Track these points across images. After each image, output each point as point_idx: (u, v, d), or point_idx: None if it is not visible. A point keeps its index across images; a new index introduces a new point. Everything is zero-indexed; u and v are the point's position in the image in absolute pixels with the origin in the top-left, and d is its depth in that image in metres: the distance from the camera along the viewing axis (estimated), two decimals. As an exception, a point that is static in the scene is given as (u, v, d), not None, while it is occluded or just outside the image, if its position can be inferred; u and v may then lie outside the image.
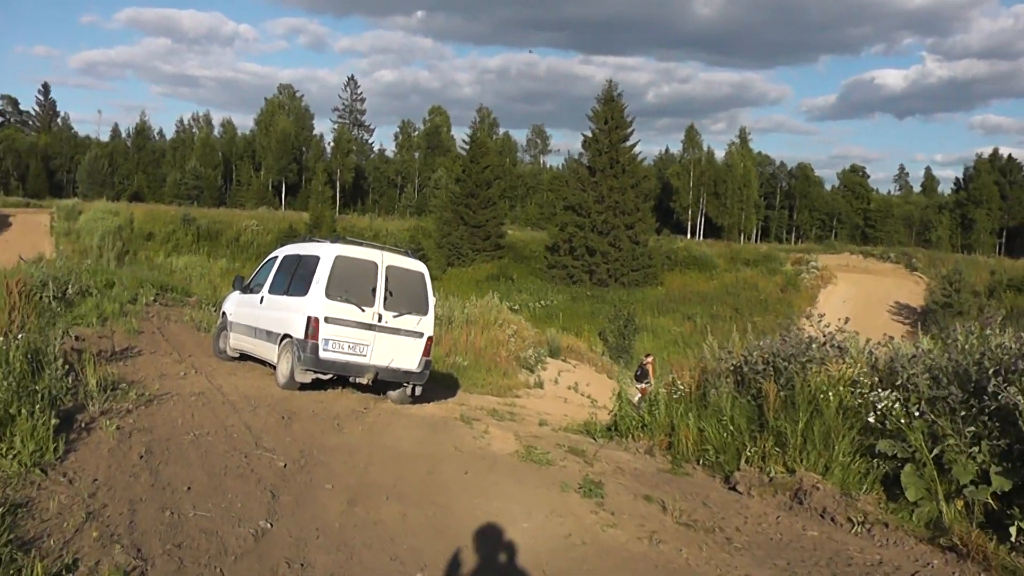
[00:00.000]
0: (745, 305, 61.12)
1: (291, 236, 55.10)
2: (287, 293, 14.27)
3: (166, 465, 8.03)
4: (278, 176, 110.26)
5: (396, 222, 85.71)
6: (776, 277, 68.89)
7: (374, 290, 13.54)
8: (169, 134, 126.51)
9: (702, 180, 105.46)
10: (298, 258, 14.72)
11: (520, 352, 29.07)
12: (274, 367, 14.06)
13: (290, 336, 13.43)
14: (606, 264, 68.00)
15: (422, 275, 14.33)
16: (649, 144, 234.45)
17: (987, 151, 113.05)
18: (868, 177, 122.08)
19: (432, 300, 14.33)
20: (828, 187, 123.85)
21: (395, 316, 13.65)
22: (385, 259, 13.91)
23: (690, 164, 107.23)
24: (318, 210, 73.68)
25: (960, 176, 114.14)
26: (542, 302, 60.09)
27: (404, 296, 13.85)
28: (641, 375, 25.70)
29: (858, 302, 56.90)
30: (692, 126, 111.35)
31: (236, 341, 16.06)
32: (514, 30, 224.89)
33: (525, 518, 7.99)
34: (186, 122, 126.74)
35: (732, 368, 12.37)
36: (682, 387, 12.84)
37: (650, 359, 27.13)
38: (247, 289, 16.16)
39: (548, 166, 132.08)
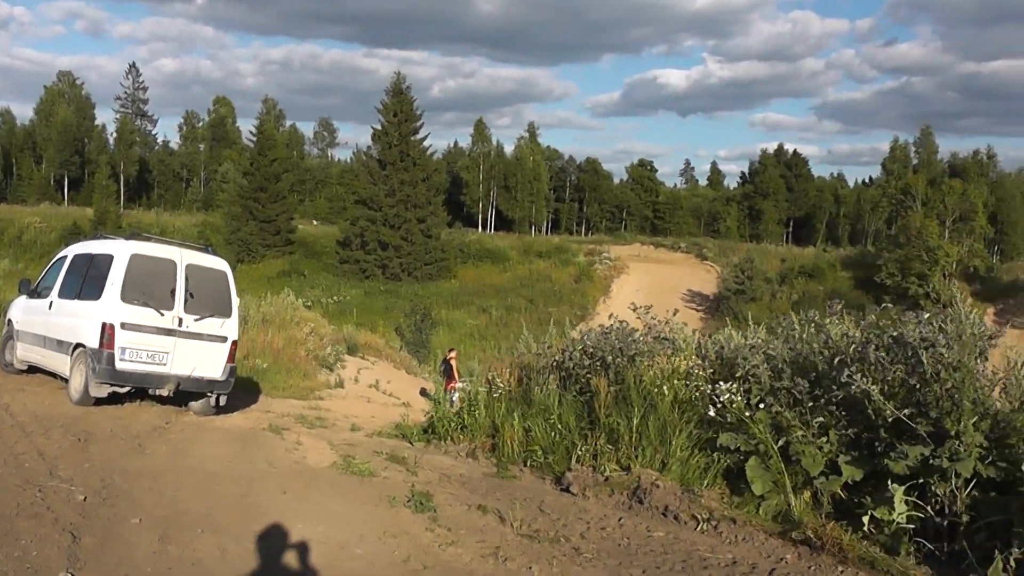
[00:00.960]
0: (540, 296, 61.84)
1: (76, 233, 52.77)
2: (79, 297, 13.01)
3: (-54, 509, 6.88)
4: (60, 170, 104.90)
5: (183, 217, 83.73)
6: (569, 268, 70.06)
7: (173, 292, 12.53)
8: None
9: (492, 174, 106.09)
10: (89, 257, 13.50)
11: (319, 351, 28.13)
12: (67, 380, 12.79)
13: (83, 345, 12.25)
14: (399, 258, 67.66)
15: (224, 274, 13.38)
16: (437, 138, 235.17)
17: (772, 146, 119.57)
18: (656, 171, 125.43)
19: (236, 301, 13.39)
20: (616, 181, 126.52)
21: (196, 320, 12.68)
22: (184, 257, 12.92)
23: (480, 158, 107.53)
24: (102, 205, 71.64)
25: (746, 170, 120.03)
26: (335, 298, 59.45)
27: (206, 297, 12.90)
28: (446, 371, 25.21)
29: (651, 291, 58.05)
30: (481, 120, 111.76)
31: (24, 352, 14.72)
32: (298, 21, 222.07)
33: (357, 542, 7.23)
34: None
35: (555, 363, 11.92)
36: (501, 385, 12.27)
37: (453, 354, 26.72)
38: (34, 293, 14.76)
39: (337, 159, 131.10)
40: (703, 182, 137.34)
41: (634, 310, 11.80)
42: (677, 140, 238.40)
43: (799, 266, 66.81)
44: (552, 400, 10.86)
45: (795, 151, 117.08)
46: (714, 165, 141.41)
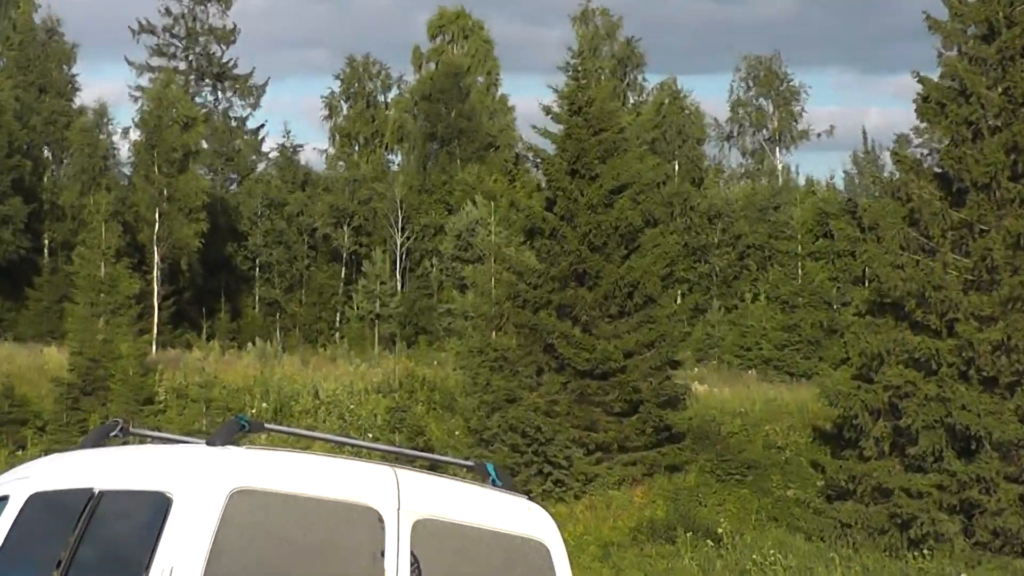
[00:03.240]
0: None
1: (18, 423, 57.22)
2: None
3: None
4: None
5: (342, 366, 72.94)
6: None
7: None
8: None
9: None
10: (85, 502, 9.61)
11: None
12: None
13: None
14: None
15: (542, 550, 9.61)
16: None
17: None
18: None
19: None
20: None
21: None
22: (406, 496, 8.93)
23: None
24: (91, 334, 64.80)
25: None
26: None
27: None
28: None
29: None
30: None
31: None
32: None
33: None
34: None
35: None
36: None
37: None
38: None
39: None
40: None
41: None
42: None
43: None
44: None
45: None
46: None
